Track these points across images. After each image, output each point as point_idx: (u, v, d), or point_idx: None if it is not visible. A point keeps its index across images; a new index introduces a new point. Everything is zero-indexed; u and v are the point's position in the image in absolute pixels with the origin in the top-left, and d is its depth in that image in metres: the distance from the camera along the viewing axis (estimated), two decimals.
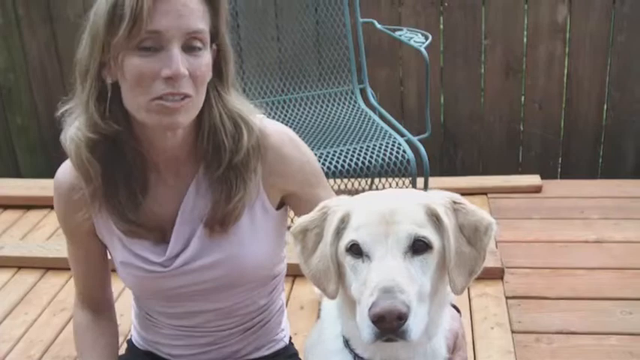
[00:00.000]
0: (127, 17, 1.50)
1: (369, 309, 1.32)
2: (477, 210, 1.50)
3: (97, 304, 1.97)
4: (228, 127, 1.71)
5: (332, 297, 1.48)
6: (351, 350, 1.58)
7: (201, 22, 1.58)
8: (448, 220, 1.44)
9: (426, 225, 1.42)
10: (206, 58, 1.61)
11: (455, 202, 1.48)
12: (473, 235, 1.47)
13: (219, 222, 1.74)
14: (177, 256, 1.77)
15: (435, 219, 1.44)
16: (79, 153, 1.67)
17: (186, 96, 1.57)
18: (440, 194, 1.51)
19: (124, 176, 1.71)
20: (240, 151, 1.71)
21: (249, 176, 1.74)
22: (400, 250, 1.38)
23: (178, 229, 1.77)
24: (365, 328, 1.34)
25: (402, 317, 1.30)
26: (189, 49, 1.57)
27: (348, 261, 1.43)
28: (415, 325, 1.33)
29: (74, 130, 1.67)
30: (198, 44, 1.58)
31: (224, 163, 1.71)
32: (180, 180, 1.76)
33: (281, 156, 1.79)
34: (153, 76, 1.54)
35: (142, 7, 1.49)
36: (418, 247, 1.40)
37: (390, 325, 1.31)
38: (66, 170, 1.77)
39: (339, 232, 1.46)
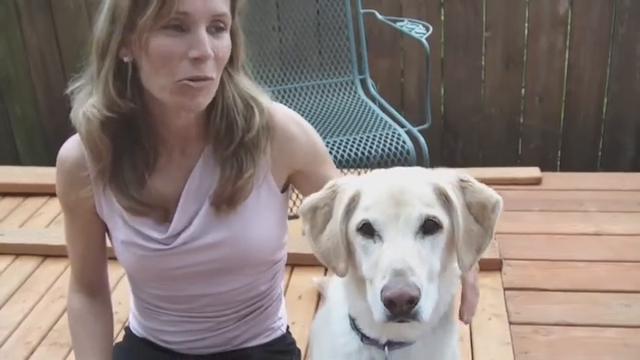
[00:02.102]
0: None
1: (381, 292, 1.33)
2: (485, 188, 1.50)
3: (92, 286, 1.96)
4: (240, 106, 1.73)
5: (342, 275, 1.49)
6: (358, 332, 1.59)
7: (225, 6, 1.60)
8: (456, 199, 1.44)
9: (435, 204, 1.42)
10: (227, 39, 1.63)
11: (462, 180, 1.48)
12: (480, 213, 1.47)
13: (227, 200, 1.74)
14: (179, 234, 1.77)
15: (443, 198, 1.44)
16: (91, 130, 1.67)
17: (208, 78, 1.59)
18: (447, 172, 1.51)
19: (132, 155, 1.71)
20: (252, 129, 1.73)
21: (259, 155, 1.76)
22: (411, 231, 1.39)
23: (183, 206, 1.77)
24: (378, 309, 1.36)
25: (413, 301, 1.32)
26: (212, 30, 1.58)
27: (358, 241, 1.43)
28: (426, 306, 1.35)
29: (89, 107, 1.66)
30: (222, 25, 1.60)
31: (236, 140, 1.72)
32: (186, 159, 1.77)
33: (288, 134, 1.80)
34: (180, 56, 1.55)
35: None
36: (428, 226, 1.41)
37: (401, 308, 1.32)
38: (71, 146, 1.77)
39: (349, 210, 1.46)
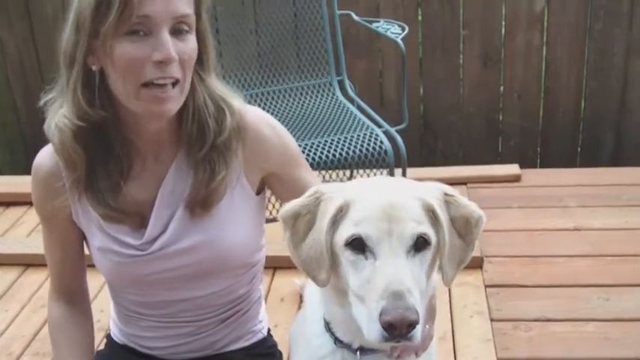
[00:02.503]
0: (116, 3, 1.50)
1: (380, 315, 1.33)
2: (468, 202, 1.51)
3: (71, 294, 1.97)
4: (212, 108, 1.73)
5: (322, 285, 1.48)
6: (332, 334, 1.59)
7: (188, 7, 1.60)
8: (442, 215, 1.45)
9: (424, 221, 1.43)
10: (192, 41, 1.63)
11: (446, 194, 1.49)
12: (464, 227, 1.48)
13: (201, 203, 1.75)
14: (155, 239, 1.77)
15: (431, 214, 1.44)
16: (64, 141, 1.67)
17: (176, 81, 1.59)
18: (432, 186, 1.51)
19: (106, 163, 1.71)
20: (224, 131, 1.73)
21: (231, 157, 1.76)
22: (404, 250, 1.39)
23: (157, 211, 1.77)
24: (373, 331, 1.35)
25: (412, 324, 1.33)
26: (176, 32, 1.59)
27: (347, 256, 1.42)
28: (419, 326, 1.35)
29: (60, 118, 1.67)
30: (185, 28, 1.60)
31: (208, 143, 1.72)
32: (159, 164, 1.77)
33: (259, 136, 1.80)
34: (143, 60, 1.55)
35: None
36: (419, 244, 1.41)
37: (401, 331, 1.33)
38: (45, 156, 1.78)
39: (335, 220, 1.45)
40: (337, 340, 1.59)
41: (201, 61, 1.70)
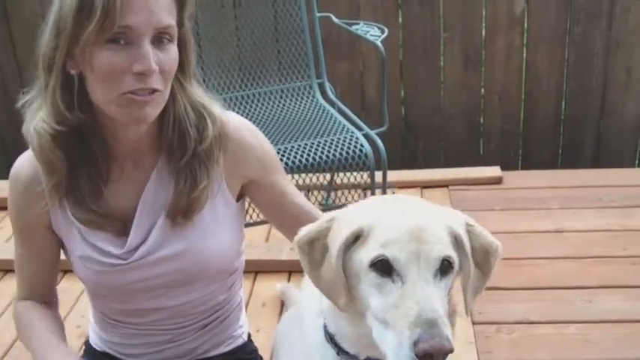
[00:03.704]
0: (98, 11, 1.48)
1: (415, 343, 1.30)
2: (486, 233, 1.51)
3: (41, 297, 1.93)
4: (192, 117, 1.71)
5: (343, 309, 1.46)
6: (335, 344, 1.57)
7: (170, 18, 1.58)
8: (468, 244, 1.45)
9: (449, 246, 1.42)
10: (173, 51, 1.61)
11: (468, 224, 1.49)
12: (482, 257, 1.48)
13: (182, 212, 1.73)
14: (137, 248, 1.75)
15: (454, 240, 1.44)
16: (42, 144, 1.64)
17: (155, 90, 1.57)
18: (454, 214, 1.51)
19: (86, 167, 1.69)
20: (205, 140, 1.71)
21: (212, 165, 1.74)
22: (431, 273, 1.37)
23: (139, 220, 1.75)
24: (402, 357, 1.33)
25: (447, 353, 1.31)
26: (157, 42, 1.57)
27: (371, 278, 1.40)
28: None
29: (39, 121, 1.64)
30: (167, 37, 1.58)
31: (189, 152, 1.71)
32: (140, 171, 1.75)
33: (241, 143, 1.79)
34: (123, 71, 1.53)
35: (115, 1, 1.48)
36: (444, 267, 1.40)
37: None
38: (24, 162, 1.75)
39: (348, 245, 1.43)
40: (341, 351, 1.57)
41: (182, 68, 1.68)
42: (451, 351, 1.31)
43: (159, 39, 1.57)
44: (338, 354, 1.58)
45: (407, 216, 1.43)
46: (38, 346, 1.83)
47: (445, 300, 1.40)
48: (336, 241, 1.44)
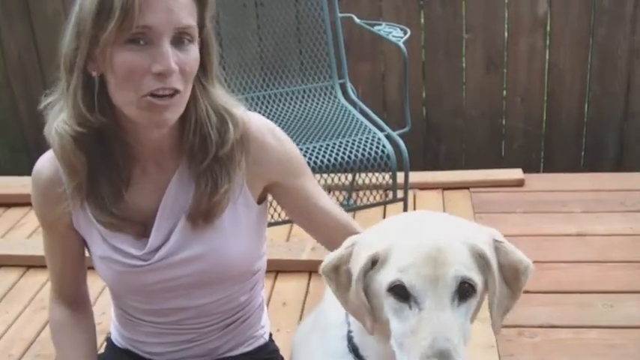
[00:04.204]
0: (117, 11, 1.48)
1: None
2: (516, 250, 1.48)
3: (72, 298, 1.95)
4: (214, 120, 1.70)
5: (371, 333, 1.45)
6: (357, 356, 1.57)
7: (190, 18, 1.57)
8: (494, 262, 1.41)
9: (472, 266, 1.38)
10: (194, 52, 1.60)
11: (496, 241, 1.46)
12: (512, 275, 1.44)
13: (203, 215, 1.73)
14: (157, 249, 1.75)
15: (480, 259, 1.40)
16: (64, 146, 1.65)
17: (175, 91, 1.57)
18: (481, 230, 1.48)
19: (107, 169, 1.69)
20: (227, 143, 1.70)
21: (234, 169, 1.73)
22: (449, 298, 1.34)
23: (159, 222, 1.75)
24: None
25: None
26: (177, 43, 1.56)
27: (390, 303, 1.38)
28: None
29: (60, 123, 1.64)
30: (187, 38, 1.58)
31: (210, 155, 1.70)
32: (162, 173, 1.75)
33: (262, 145, 1.78)
34: (143, 71, 1.53)
35: (134, 1, 1.48)
36: (463, 290, 1.36)
37: None
38: (45, 162, 1.75)
39: (367, 270, 1.42)
40: None
41: (204, 70, 1.67)
42: None
43: (179, 39, 1.56)
44: None
45: (425, 237, 1.40)
46: None
47: (467, 325, 1.38)
48: (355, 266, 1.43)
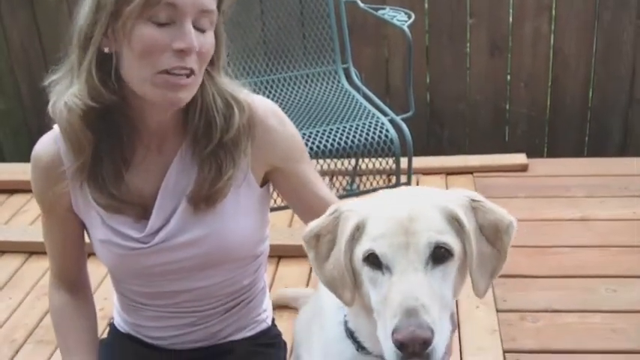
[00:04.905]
0: None
1: (392, 333, 1.28)
2: (497, 208, 1.45)
3: (72, 282, 1.95)
4: (220, 105, 1.71)
5: (348, 304, 1.45)
6: (355, 340, 1.56)
7: (213, 2, 1.59)
8: (468, 223, 1.39)
9: (446, 230, 1.37)
10: (211, 37, 1.61)
11: (473, 200, 1.43)
12: (493, 234, 1.42)
13: (205, 199, 1.72)
14: (157, 232, 1.75)
15: (455, 222, 1.39)
16: (71, 121, 1.64)
17: (192, 72, 1.57)
18: (458, 193, 1.46)
19: (110, 150, 1.69)
20: (232, 129, 1.70)
21: (239, 155, 1.73)
22: (421, 262, 1.33)
23: (160, 204, 1.75)
24: (388, 349, 1.31)
25: (426, 342, 1.27)
26: (197, 26, 1.57)
27: (366, 272, 1.38)
28: (440, 344, 1.29)
29: (70, 96, 1.63)
30: (207, 23, 1.59)
31: (214, 140, 1.70)
32: (163, 156, 1.75)
33: (266, 128, 1.78)
34: (164, 47, 1.53)
35: None
36: (439, 254, 1.35)
37: (414, 349, 1.27)
38: (45, 144, 1.76)
39: (353, 239, 1.41)
40: (361, 347, 1.55)
41: (212, 60, 1.67)
42: (428, 340, 1.26)
43: (199, 22, 1.57)
44: (357, 350, 1.57)
45: (398, 207, 1.40)
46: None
47: (445, 289, 1.36)
48: (342, 236, 1.43)
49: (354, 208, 1.45)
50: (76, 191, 1.75)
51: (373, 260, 1.37)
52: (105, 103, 1.62)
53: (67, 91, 1.65)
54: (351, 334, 1.57)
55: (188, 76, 1.58)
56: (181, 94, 1.59)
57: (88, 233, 1.86)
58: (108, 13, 1.54)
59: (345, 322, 1.59)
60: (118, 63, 1.60)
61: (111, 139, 1.68)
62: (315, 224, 1.50)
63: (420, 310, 1.27)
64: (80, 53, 1.61)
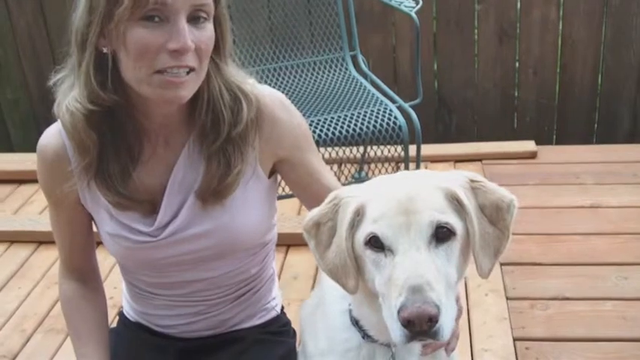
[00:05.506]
0: None
1: (398, 312, 1.27)
2: (497, 188, 1.45)
3: (82, 272, 1.95)
4: (227, 99, 1.69)
5: (352, 292, 1.44)
6: (360, 329, 1.56)
7: None
8: (469, 202, 1.38)
9: (447, 210, 1.37)
10: (210, 30, 1.59)
11: (473, 181, 1.43)
12: (495, 214, 1.41)
13: (213, 194, 1.71)
14: (166, 225, 1.75)
15: (455, 202, 1.38)
16: (75, 124, 1.63)
17: (190, 69, 1.55)
18: (457, 174, 1.45)
19: (116, 148, 1.68)
20: (239, 123, 1.69)
21: (247, 149, 1.72)
22: (424, 241, 1.33)
23: (168, 198, 1.74)
24: (395, 330, 1.30)
25: (432, 319, 1.26)
26: (193, 20, 1.54)
27: (368, 255, 1.38)
28: (447, 322, 1.29)
29: (72, 101, 1.63)
30: (203, 15, 1.56)
31: (222, 135, 1.68)
32: (170, 150, 1.74)
33: (274, 121, 1.76)
34: (158, 48, 1.51)
35: None
36: (441, 234, 1.35)
37: (421, 327, 1.27)
38: (50, 137, 1.74)
39: (353, 225, 1.40)
40: (366, 336, 1.55)
41: (217, 49, 1.65)
42: (435, 316, 1.26)
43: (195, 16, 1.54)
44: (363, 338, 1.56)
45: (398, 189, 1.40)
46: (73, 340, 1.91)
47: (449, 268, 1.35)
48: (342, 222, 1.42)
49: (353, 194, 1.45)
50: (84, 188, 1.74)
51: (375, 243, 1.37)
52: (106, 104, 1.61)
53: (70, 92, 1.65)
54: (355, 323, 1.57)
55: (187, 73, 1.56)
56: (181, 92, 1.57)
57: (96, 225, 1.85)
58: (100, 15, 1.52)
59: (350, 311, 1.58)
60: (118, 62, 1.58)
61: (116, 138, 1.67)
62: (314, 212, 1.50)
63: (425, 287, 1.27)
64: (79, 54, 1.60)
